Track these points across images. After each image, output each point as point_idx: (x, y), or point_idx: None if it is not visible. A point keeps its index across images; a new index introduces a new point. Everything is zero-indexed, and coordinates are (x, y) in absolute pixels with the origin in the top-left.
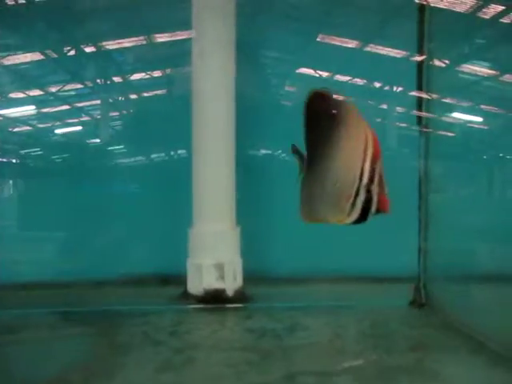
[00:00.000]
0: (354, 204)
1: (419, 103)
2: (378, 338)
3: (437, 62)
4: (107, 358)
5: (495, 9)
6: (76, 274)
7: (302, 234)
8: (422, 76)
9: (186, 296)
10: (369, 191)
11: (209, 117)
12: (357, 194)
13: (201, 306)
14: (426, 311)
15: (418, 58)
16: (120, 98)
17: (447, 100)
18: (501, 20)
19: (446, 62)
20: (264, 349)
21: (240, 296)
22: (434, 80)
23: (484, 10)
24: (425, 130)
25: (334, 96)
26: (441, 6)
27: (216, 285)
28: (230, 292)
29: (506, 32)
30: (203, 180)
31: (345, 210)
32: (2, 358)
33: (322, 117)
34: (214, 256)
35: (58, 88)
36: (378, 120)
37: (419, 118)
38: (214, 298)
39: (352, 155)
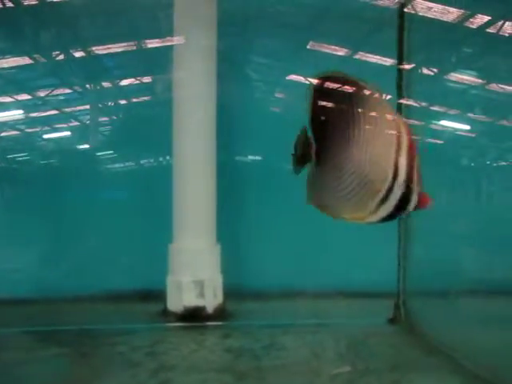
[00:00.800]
0: (383, 201)
1: (399, 109)
2: (355, 358)
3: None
4: (84, 381)
5: (481, 19)
6: (53, 290)
7: (282, 250)
8: (401, 83)
9: (166, 313)
10: (408, 187)
11: (190, 127)
12: (390, 191)
13: (180, 324)
14: (405, 329)
15: (401, 66)
16: (110, 104)
17: (434, 108)
18: (486, 30)
19: (427, 69)
20: (240, 370)
21: (220, 313)
22: (414, 87)
23: (470, 19)
24: None
25: (354, 80)
26: (424, 15)
27: (196, 302)
28: (210, 309)
29: (487, 42)
30: (184, 197)
31: (369, 208)
32: None
33: (338, 101)
34: (194, 273)
35: (47, 93)
36: None
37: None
38: (194, 316)
39: (381, 147)
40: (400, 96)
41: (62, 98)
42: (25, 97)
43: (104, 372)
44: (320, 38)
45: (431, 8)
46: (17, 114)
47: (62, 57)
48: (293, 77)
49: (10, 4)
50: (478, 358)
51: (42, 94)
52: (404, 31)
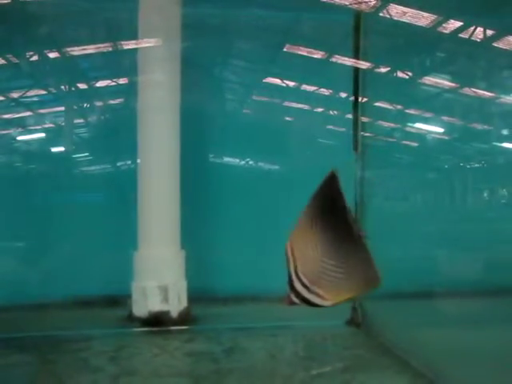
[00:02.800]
0: None
1: (355, 108)
2: (310, 359)
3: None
4: None
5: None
6: (17, 296)
7: (245, 255)
8: (358, 82)
9: (131, 318)
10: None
11: (154, 133)
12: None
13: (145, 329)
14: (361, 331)
15: (358, 66)
16: (85, 105)
17: (383, 106)
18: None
19: (384, 69)
20: (199, 373)
21: (185, 317)
22: (370, 86)
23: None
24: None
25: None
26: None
27: (160, 307)
28: (174, 314)
29: (463, 46)
30: (148, 203)
31: None
32: None
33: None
34: (159, 278)
35: (20, 94)
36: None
37: (355, 124)
38: (159, 321)
39: None
40: (356, 94)
41: (35, 99)
42: None
43: (65, 378)
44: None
45: (406, 13)
46: None
47: (35, 57)
48: (263, 79)
49: None
50: (425, 358)
51: (15, 95)
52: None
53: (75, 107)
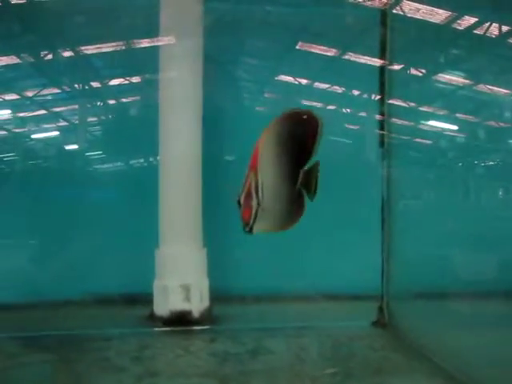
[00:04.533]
0: None
1: (381, 111)
2: (337, 361)
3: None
4: None
5: (468, 21)
6: (38, 295)
7: (268, 253)
8: (384, 82)
9: (152, 317)
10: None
11: (175, 130)
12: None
13: (166, 328)
14: (388, 332)
15: (381, 65)
16: (98, 104)
17: (411, 106)
18: (472, 31)
19: (411, 69)
20: (225, 374)
21: (206, 317)
22: (397, 87)
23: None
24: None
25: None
26: (405, 14)
27: (182, 306)
28: (196, 313)
29: (478, 42)
30: (170, 201)
31: None
32: None
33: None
34: (181, 277)
35: (35, 92)
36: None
37: (381, 127)
38: (180, 320)
39: None
40: (382, 95)
41: (50, 97)
42: (12, 96)
43: (89, 378)
44: (310, 39)
45: (419, 9)
46: (4, 113)
47: (50, 56)
48: (281, 77)
49: None
50: (456, 360)
51: (29, 93)
52: (387, 30)
53: (96, 104)
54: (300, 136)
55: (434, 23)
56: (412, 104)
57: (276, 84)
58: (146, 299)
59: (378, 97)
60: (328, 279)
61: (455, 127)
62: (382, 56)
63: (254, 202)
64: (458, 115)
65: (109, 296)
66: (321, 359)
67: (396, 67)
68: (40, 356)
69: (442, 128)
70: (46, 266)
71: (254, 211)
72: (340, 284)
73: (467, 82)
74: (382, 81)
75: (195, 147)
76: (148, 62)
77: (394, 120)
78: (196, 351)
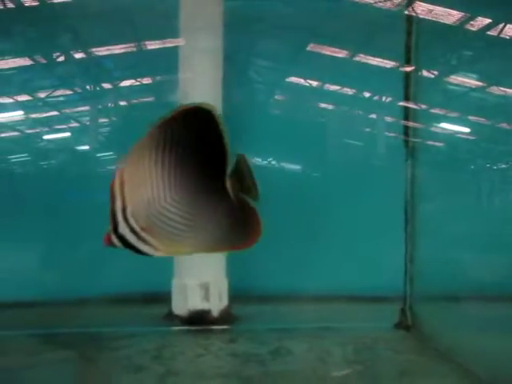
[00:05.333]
0: None
1: (405, 114)
2: (361, 364)
3: (425, 73)
4: None
5: (482, 22)
6: (57, 293)
7: (287, 253)
8: (409, 87)
9: (171, 316)
10: None
11: None
12: None
13: (185, 327)
14: (411, 334)
15: (406, 69)
16: (110, 105)
17: (435, 110)
18: (488, 32)
19: (434, 73)
20: (247, 375)
21: (226, 316)
22: (421, 91)
23: (471, 22)
24: (411, 140)
25: None
26: (429, 18)
27: (201, 305)
28: (215, 313)
29: (493, 44)
30: None
31: None
32: None
33: None
34: (200, 276)
35: (47, 94)
36: (366, 130)
37: (406, 129)
38: (199, 319)
39: None
40: (407, 99)
41: (62, 98)
42: (25, 98)
43: (111, 376)
44: (323, 40)
45: (432, 10)
46: (17, 115)
47: (62, 58)
48: (299, 79)
49: (11, 5)
50: (486, 364)
51: (42, 95)
52: (411, 35)
53: (118, 104)
54: (197, 137)
55: (455, 26)
56: (436, 107)
57: (290, 86)
58: (164, 298)
59: (401, 99)
60: (348, 280)
61: (478, 130)
62: (405, 58)
63: (110, 228)
64: (480, 118)
65: (126, 295)
66: (344, 361)
67: (419, 69)
68: (61, 353)
69: (464, 131)
70: (66, 265)
71: (111, 234)
72: (360, 285)
73: (487, 84)
74: (406, 83)
75: None
76: (165, 63)
77: (417, 122)
78: (216, 351)
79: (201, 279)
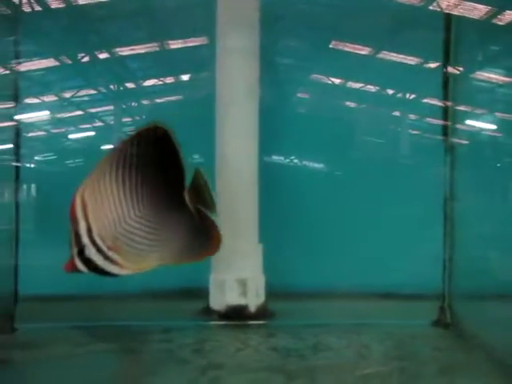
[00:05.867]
0: None
1: (444, 113)
2: (402, 360)
3: (462, 72)
4: (135, 378)
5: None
6: (96, 287)
7: (324, 249)
8: (447, 85)
9: (208, 311)
10: None
11: (232, 126)
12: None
13: (223, 322)
14: (451, 332)
15: (444, 68)
16: (135, 104)
17: (472, 109)
18: None
19: (472, 71)
20: (289, 369)
21: (262, 312)
22: (460, 89)
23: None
24: (450, 140)
25: None
26: (467, 16)
27: (239, 301)
28: (252, 308)
29: None
30: (227, 195)
31: None
32: (31, 377)
33: None
34: (237, 272)
35: (72, 94)
36: (402, 129)
37: (444, 128)
38: (237, 314)
39: None
40: (445, 99)
41: (86, 98)
42: (51, 98)
43: (154, 368)
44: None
45: (458, 5)
46: (43, 114)
47: (87, 58)
48: (335, 79)
49: (37, 8)
50: None
51: (67, 95)
52: (450, 33)
53: (155, 101)
54: (155, 155)
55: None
56: (475, 106)
57: (330, 85)
58: (201, 293)
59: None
60: (385, 277)
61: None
62: (444, 58)
63: (73, 251)
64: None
65: (165, 290)
66: (384, 357)
67: (456, 68)
68: (104, 345)
69: (503, 130)
70: None
71: (75, 259)
72: (397, 282)
73: None
74: (445, 81)
75: (252, 143)
76: (204, 61)
77: (456, 121)
78: (256, 345)
79: (238, 275)
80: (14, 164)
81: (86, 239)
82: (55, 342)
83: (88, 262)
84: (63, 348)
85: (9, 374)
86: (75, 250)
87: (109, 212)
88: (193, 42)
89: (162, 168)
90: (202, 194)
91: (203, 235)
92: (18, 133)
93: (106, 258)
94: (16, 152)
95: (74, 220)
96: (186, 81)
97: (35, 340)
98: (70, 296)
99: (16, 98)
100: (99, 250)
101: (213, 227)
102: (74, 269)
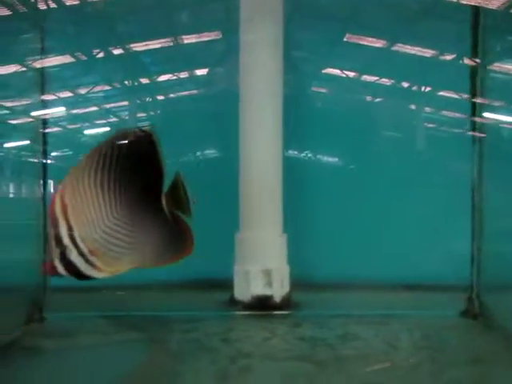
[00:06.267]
0: None
1: (473, 108)
2: (433, 350)
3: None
4: (165, 366)
5: None
6: (120, 277)
7: (348, 240)
8: (475, 80)
9: (233, 302)
10: None
11: (256, 117)
12: None
13: (249, 312)
14: (480, 323)
15: (472, 62)
16: (148, 99)
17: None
18: None
19: (501, 65)
20: (319, 359)
21: (287, 303)
22: (489, 84)
23: None
24: (478, 135)
25: None
26: (494, 8)
27: (263, 291)
28: (277, 298)
29: None
30: (251, 186)
31: None
32: (63, 365)
33: None
34: (262, 262)
35: (87, 90)
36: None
37: (473, 123)
38: (262, 305)
39: None
40: (474, 93)
41: (101, 94)
42: (66, 94)
43: (183, 357)
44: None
45: None
46: (59, 111)
47: (101, 54)
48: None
49: (53, 5)
50: None
51: (82, 91)
52: (479, 27)
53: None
54: (136, 158)
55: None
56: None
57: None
58: (224, 284)
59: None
60: (411, 268)
61: None
62: (472, 50)
63: (54, 253)
64: None
65: (189, 280)
66: (414, 347)
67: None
68: (132, 335)
69: None
70: None
71: (55, 261)
72: (423, 273)
73: None
74: (472, 76)
75: (276, 133)
76: (228, 54)
77: (483, 113)
78: (283, 335)
79: (263, 265)
80: (41, 160)
81: (67, 241)
82: (83, 332)
83: (68, 265)
84: (92, 337)
85: (42, 361)
86: (57, 252)
87: (89, 214)
88: (213, 36)
89: (141, 171)
90: (179, 199)
91: (178, 238)
92: (44, 128)
93: (87, 261)
94: (44, 148)
95: (53, 221)
96: (207, 75)
97: (64, 329)
98: (95, 286)
99: (42, 93)
100: (81, 253)
101: (187, 231)
102: (54, 272)
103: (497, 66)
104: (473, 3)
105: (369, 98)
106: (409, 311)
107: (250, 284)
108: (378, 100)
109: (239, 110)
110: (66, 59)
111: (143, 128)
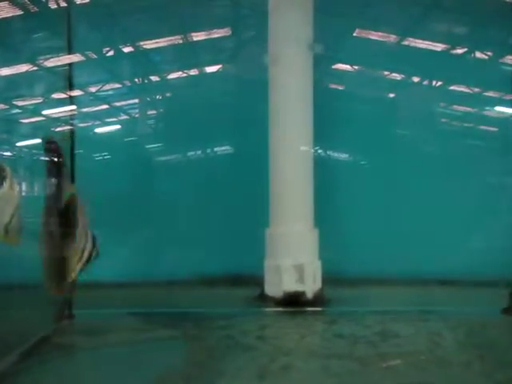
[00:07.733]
0: None
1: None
2: (479, 348)
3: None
4: (205, 364)
5: None
6: (153, 275)
7: (381, 235)
8: None
9: (264, 298)
10: None
11: (287, 113)
12: None
13: (281, 308)
14: None
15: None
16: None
17: None
18: None
19: None
20: (361, 356)
21: (319, 299)
22: None
23: None
24: None
25: None
26: None
27: (296, 287)
28: (309, 294)
29: None
30: (281, 181)
31: None
32: (99, 362)
33: None
34: (294, 257)
35: (97, 88)
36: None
37: None
38: (294, 301)
39: None
40: None
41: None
42: (77, 93)
43: (221, 355)
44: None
45: None
46: (70, 109)
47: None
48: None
49: (63, 4)
50: None
51: (92, 89)
52: None
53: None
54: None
55: None
56: None
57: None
58: (253, 280)
59: None
60: (449, 264)
61: None
62: None
63: None
64: None
65: (216, 277)
66: (458, 345)
67: None
68: (165, 332)
69: None
70: (161, 248)
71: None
72: (460, 269)
73: None
74: None
75: (306, 128)
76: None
77: None
78: (321, 332)
79: (295, 260)
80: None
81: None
82: (114, 328)
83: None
84: (123, 334)
85: (77, 359)
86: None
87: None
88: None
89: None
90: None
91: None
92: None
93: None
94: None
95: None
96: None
97: (94, 326)
98: (123, 283)
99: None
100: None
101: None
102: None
103: None
104: None
105: (400, 95)
106: (448, 308)
107: (281, 279)
108: (413, 99)
109: (269, 105)
110: (77, 58)
111: (49, 138)
